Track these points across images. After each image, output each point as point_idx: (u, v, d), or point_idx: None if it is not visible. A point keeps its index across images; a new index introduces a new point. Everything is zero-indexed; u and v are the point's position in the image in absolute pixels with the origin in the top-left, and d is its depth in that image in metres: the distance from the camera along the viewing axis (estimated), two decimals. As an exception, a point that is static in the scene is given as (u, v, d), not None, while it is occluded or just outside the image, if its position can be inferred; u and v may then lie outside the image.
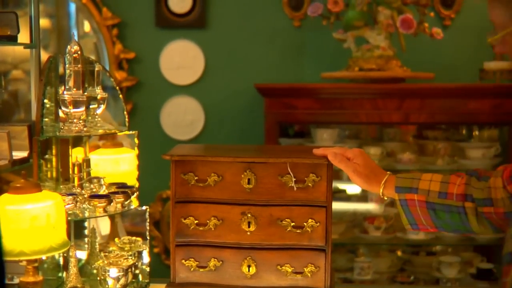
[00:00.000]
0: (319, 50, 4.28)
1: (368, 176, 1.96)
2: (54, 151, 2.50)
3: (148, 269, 2.52)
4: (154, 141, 4.17)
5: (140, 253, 2.54)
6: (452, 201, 1.86)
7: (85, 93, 2.32)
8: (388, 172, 1.98)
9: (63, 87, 2.32)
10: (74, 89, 2.29)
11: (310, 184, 1.96)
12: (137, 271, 2.46)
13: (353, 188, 4.25)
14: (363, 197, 4.14)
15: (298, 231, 1.97)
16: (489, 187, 1.84)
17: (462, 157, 3.99)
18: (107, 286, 2.32)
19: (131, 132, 2.54)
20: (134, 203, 2.49)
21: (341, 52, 4.05)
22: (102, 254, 2.42)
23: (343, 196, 4.20)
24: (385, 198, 1.97)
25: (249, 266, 2.00)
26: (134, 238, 2.57)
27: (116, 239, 2.62)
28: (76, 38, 2.35)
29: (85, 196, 2.38)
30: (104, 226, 2.81)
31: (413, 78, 4.02)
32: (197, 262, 2.02)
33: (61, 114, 2.40)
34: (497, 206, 1.83)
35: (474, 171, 1.92)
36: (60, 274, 2.51)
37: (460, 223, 1.89)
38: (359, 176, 1.96)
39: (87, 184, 2.49)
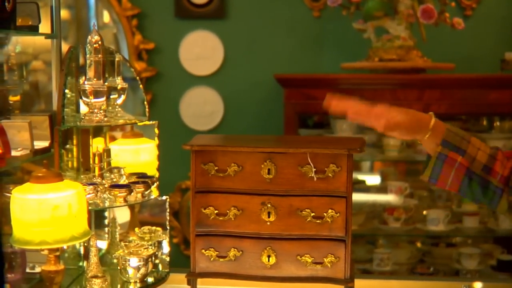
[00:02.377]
0: (339, 41, 4.27)
1: (417, 123, 1.85)
2: (75, 141, 2.51)
3: (168, 258, 2.53)
4: (173, 131, 4.18)
5: (160, 243, 2.55)
6: (495, 179, 1.82)
7: (106, 83, 2.33)
8: (431, 113, 1.88)
9: (83, 77, 2.33)
10: (95, 79, 2.30)
11: (330, 175, 1.96)
12: (157, 261, 2.47)
13: (372, 179, 4.24)
14: (382, 188, 4.13)
15: (318, 221, 1.97)
16: None
17: (483, 148, 3.95)
18: (127, 275, 2.33)
19: (151, 122, 2.54)
20: (154, 193, 2.50)
21: (361, 43, 4.03)
22: (123, 243, 2.44)
23: (362, 187, 4.19)
24: (421, 143, 1.87)
25: (269, 256, 2.00)
26: (154, 228, 2.58)
27: (136, 229, 2.63)
28: (96, 28, 2.35)
29: (106, 186, 2.39)
30: (123, 216, 2.83)
31: (433, 68, 3.99)
32: (217, 252, 2.02)
33: (82, 104, 2.41)
34: None
35: None
36: (80, 263, 2.53)
37: (488, 200, 1.85)
38: (409, 129, 1.84)
39: (107, 174, 2.49)
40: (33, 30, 2.38)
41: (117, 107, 2.45)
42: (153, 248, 2.42)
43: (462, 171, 1.83)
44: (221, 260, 2.02)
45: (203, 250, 2.03)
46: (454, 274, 4.00)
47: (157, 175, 2.57)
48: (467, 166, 1.83)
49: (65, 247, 2.38)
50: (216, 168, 1.99)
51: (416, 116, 1.87)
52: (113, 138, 2.76)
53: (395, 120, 1.84)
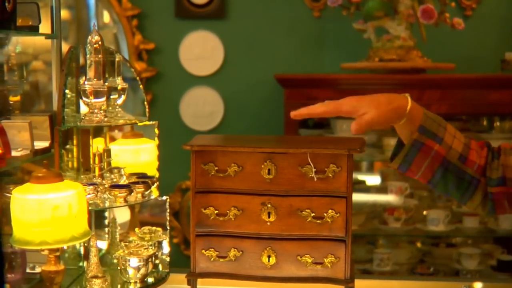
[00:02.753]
0: (339, 41, 4.27)
1: (392, 109, 1.68)
2: (75, 141, 2.51)
3: (168, 259, 2.53)
4: (173, 131, 4.18)
5: (160, 243, 2.55)
6: (471, 169, 1.69)
7: (106, 84, 2.33)
8: (406, 94, 1.72)
9: (84, 78, 2.33)
10: (95, 79, 2.30)
11: (330, 175, 1.95)
12: (157, 261, 2.47)
13: (373, 179, 4.24)
14: (382, 188, 4.13)
15: (318, 221, 1.96)
16: (502, 164, 1.70)
17: (483, 148, 3.95)
18: (127, 275, 2.33)
19: (151, 122, 2.54)
20: (154, 193, 2.50)
21: (361, 43, 4.03)
22: (123, 244, 2.44)
23: (362, 187, 4.20)
24: (395, 127, 1.72)
25: (269, 257, 2.00)
26: (154, 228, 2.58)
27: (136, 229, 2.63)
28: (96, 28, 2.36)
29: (106, 186, 2.39)
30: (123, 216, 2.83)
31: (433, 68, 3.99)
32: (217, 252, 2.02)
33: (82, 104, 2.41)
34: (510, 186, 1.69)
35: (489, 144, 1.76)
36: (81, 264, 2.53)
37: (461, 193, 1.72)
38: (385, 118, 1.68)
39: (107, 174, 2.50)
40: (33, 30, 2.38)
41: (117, 107, 2.45)
42: (153, 248, 2.42)
43: (438, 160, 1.69)
44: (221, 260, 2.02)
45: (203, 250, 2.03)
46: (454, 274, 4.00)
47: (157, 175, 2.57)
48: (443, 155, 1.69)
49: (65, 247, 2.38)
50: (216, 168, 1.99)
51: (390, 105, 1.68)
52: (113, 138, 2.76)
53: (366, 119, 1.68)
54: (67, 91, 2.38)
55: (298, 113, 1.79)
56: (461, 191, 1.75)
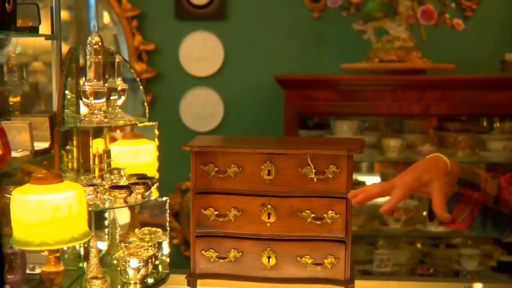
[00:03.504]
0: (339, 42, 4.27)
1: (427, 168, 1.64)
2: (75, 142, 2.51)
3: (168, 259, 2.52)
4: (173, 132, 4.18)
5: (160, 243, 2.55)
6: (506, 209, 1.70)
7: (106, 84, 2.33)
8: (437, 154, 1.69)
9: (83, 78, 2.33)
10: (95, 80, 2.30)
11: (330, 176, 1.96)
12: (157, 262, 2.47)
13: (372, 180, 4.24)
14: (382, 189, 4.12)
15: (318, 222, 1.97)
16: None
17: (483, 149, 3.96)
18: (127, 276, 2.33)
19: (151, 123, 2.54)
20: (154, 194, 2.50)
21: (361, 44, 4.03)
22: (123, 244, 2.44)
23: (362, 188, 4.19)
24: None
25: (269, 257, 2.00)
26: (154, 228, 2.58)
27: (136, 230, 2.63)
28: (96, 29, 2.36)
29: (106, 187, 2.39)
30: (123, 216, 2.83)
31: (433, 69, 3.99)
32: (217, 253, 2.02)
33: (82, 105, 2.41)
34: None
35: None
36: (80, 265, 2.53)
37: (499, 231, 1.74)
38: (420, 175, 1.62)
39: (107, 175, 2.49)
40: (33, 31, 2.38)
41: (117, 108, 2.45)
42: (153, 249, 2.42)
43: (478, 207, 1.70)
44: (221, 261, 2.02)
45: (203, 251, 2.03)
46: (454, 275, 4.00)
47: (157, 176, 2.57)
48: (482, 202, 1.70)
49: (65, 248, 2.38)
50: (216, 169, 1.99)
51: (440, 170, 1.64)
52: (114, 139, 2.76)
53: (402, 180, 1.63)
54: (67, 92, 2.38)
55: (357, 201, 1.68)
56: (500, 230, 1.75)
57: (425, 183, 1.61)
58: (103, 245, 2.65)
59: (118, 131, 2.82)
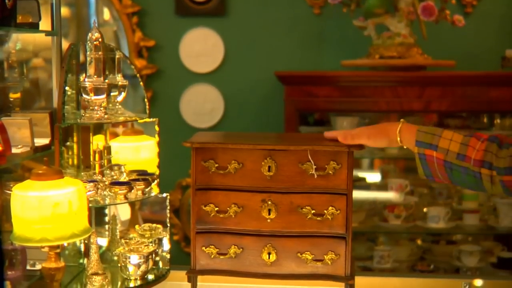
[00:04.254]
0: (339, 38, 4.26)
1: (381, 130, 2.00)
2: (75, 138, 2.51)
3: (168, 256, 2.53)
4: (174, 129, 4.17)
5: (160, 240, 2.55)
6: (469, 164, 1.86)
7: (106, 80, 2.33)
8: (402, 120, 2.00)
9: (84, 75, 2.33)
10: (95, 76, 2.30)
11: (330, 172, 1.96)
12: (157, 258, 2.47)
13: (373, 177, 4.24)
14: (383, 186, 4.13)
15: (319, 218, 1.97)
16: (511, 155, 1.81)
17: (483, 145, 3.94)
18: (128, 272, 2.33)
19: (151, 119, 2.54)
20: (154, 190, 2.50)
21: (362, 40, 4.02)
22: (123, 241, 2.44)
23: (363, 184, 4.19)
24: (404, 147, 1.98)
25: (269, 254, 2.00)
26: (154, 225, 2.58)
27: (137, 226, 2.63)
28: (97, 25, 2.35)
29: (106, 183, 2.39)
30: (124, 213, 2.83)
31: (434, 66, 3.99)
32: (218, 249, 2.02)
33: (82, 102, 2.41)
34: None
35: (496, 137, 1.89)
36: (81, 261, 2.53)
37: (475, 184, 1.89)
38: (372, 135, 1.99)
39: (108, 171, 2.50)
40: (34, 27, 2.37)
41: (117, 104, 2.45)
42: (153, 245, 2.42)
43: (441, 164, 1.90)
44: (221, 257, 2.02)
45: (204, 247, 2.03)
46: (454, 271, 4.00)
47: (157, 172, 2.57)
48: (443, 159, 1.89)
49: (65, 244, 2.38)
50: (216, 165, 1.99)
51: (381, 126, 2.03)
52: (113, 135, 2.76)
53: (355, 131, 2.02)
54: (67, 88, 2.38)
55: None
56: (474, 184, 1.88)
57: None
58: (103, 242, 2.65)
59: (121, 126, 2.81)
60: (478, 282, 2.52)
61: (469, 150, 1.87)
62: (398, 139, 1.96)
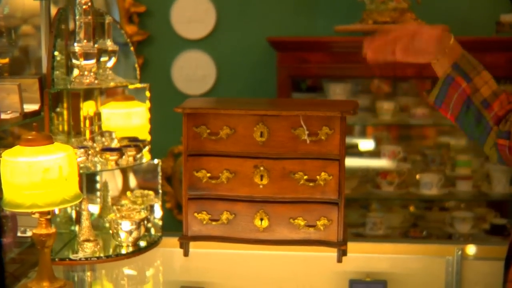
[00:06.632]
0: (332, 3, 4.22)
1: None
2: (65, 104, 2.49)
3: (160, 222, 2.52)
4: (165, 96, 4.14)
5: (152, 206, 2.54)
6: (489, 115, 1.83)
7: (96, 45, 2.30)
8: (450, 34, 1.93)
9: (73, 39, 2.30)
10: (85, 41, 2.27)
11: (323, 137, 1.94)
12: (149, 225, 2.47)
13: (366, 144, 4.23)
14: (376, 152, 4.13)
15: (311, 184, 1.96)
16: None
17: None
18: (119, 239, 2.33)
19: (142, 85, 2.51)
20: (146, 156, 2.48)
21: (355, 5, 3.98)
22: (115, 207, 2.43)
23: (356, 151, 4.19)
24: (433, 61, 1.90)
25: (261, 219, 1.99)
26: (146, 191, 2.57)
27: (128, 193, 2.62)
28: (86, -11, 2.32)
29: (97, 149, 2.38)
30: (115, 179, 2.82)
31: (428, 31, 3.95)
32: (210, 215, 2.01)
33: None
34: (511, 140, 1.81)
35: None
36: (72, 228, 2.52)
37: (479, 135, 1.87)
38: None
39: (98, 138, 2.48)
40: (21, -9, 2.34)
41: (107, 70, 2.42)
42: (145, 211, 2.41)
43: (463, 98, 1.85)
44: (213, 223, 2.02)
45: (196, 214, 2.02)
46: (447, 238, 4.01)
47: (148, 138, 2.55)
48: (468, 94, 1.85)
49: (56, 210, 2.36)
50: (208, 131, 1.98)
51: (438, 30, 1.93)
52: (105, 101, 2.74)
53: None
54: (56, 53, 2.34)
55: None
56: (478, 134, 1.86)
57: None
58: (95, 209, 2.64)
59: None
60: (471, 248, 2.52)
61: (496, 102, 1.85)
62: (443, 55, 1.88)
